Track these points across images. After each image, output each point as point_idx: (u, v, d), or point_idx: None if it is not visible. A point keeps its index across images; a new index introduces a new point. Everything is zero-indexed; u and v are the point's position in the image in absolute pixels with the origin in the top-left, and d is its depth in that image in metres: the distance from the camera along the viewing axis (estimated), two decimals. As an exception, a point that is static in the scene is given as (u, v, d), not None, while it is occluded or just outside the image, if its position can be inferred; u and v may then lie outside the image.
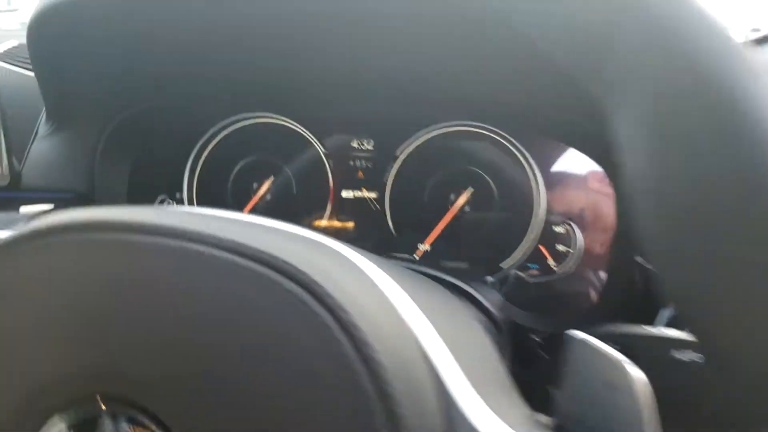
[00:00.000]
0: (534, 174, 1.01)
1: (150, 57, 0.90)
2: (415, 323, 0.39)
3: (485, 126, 1.01)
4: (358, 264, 0.41)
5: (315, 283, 0.36)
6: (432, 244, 1.05)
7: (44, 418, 0.40)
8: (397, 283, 0.42)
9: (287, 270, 0.36)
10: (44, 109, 0.98)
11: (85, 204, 0.99)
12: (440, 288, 0.58)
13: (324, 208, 1.09)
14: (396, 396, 0.33)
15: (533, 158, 1.01)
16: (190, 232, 0.36)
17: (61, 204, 0.98)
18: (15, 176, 0.96)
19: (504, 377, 0.49)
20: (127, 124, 1.01)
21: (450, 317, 0.49)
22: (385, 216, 1.07)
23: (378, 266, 0.43)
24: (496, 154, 1.02)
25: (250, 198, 1.09)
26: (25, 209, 0.94)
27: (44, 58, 0.83)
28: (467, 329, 0.51)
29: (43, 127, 0.99)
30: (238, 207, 1.09)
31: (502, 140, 1.02)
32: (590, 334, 0.58)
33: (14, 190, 0.97)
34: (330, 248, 0.41)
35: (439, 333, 0.40)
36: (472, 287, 0.65)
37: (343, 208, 1.08)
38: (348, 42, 0.82)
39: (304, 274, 0.36)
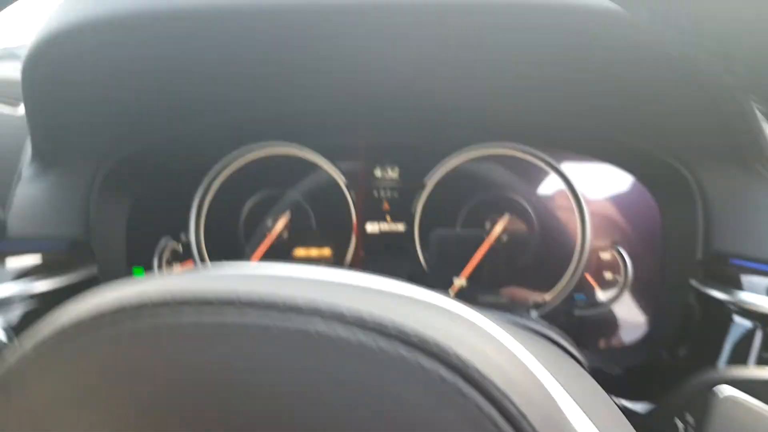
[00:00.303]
0: (576, 197, 0.94)
1: (154, 88, 0.81)
2: (564, 404, 0.32)
3: (523, 147, 0.94)
4: (499, 337, 0.33)
5: (470, 366, 0.27)
6: (468, 278, 0.97)
7: None
8: (532, 354, 0.34)
9: (432, 350, 0.27)
10: (27, 147, 0.88)
11: (80, 252, 0.88)
12: (557, 349, 0.50)
13: (347, 244, 0.99)
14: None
15: (576, 181, 0.94)
16: (304, 307, 0.27)
17: (53, 254, 0.86)
18: (0, 225, 0.85)
19: None
20: (126, 162, 0.91)
21: (588, 392, 0.42)
22: (415, 249, 0.99)
23: (510, 334, 0.35)
24: (534, 177, 0.96)
25: (264, 236, 0.99)
26: (13, 262, 0.83)
27: (39, 91, 0.74)
28: (607, 404, 0.43)
29: (27, 168, 0.88)
30: (252, 246, 0.99)
31: (541, 162, 0.95)
32: (715, 381, 0.51)
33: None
34: (466, 318, 0.32)
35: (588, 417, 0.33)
36: (563, 337, 0.57)
37: (368, 243, 1.00)
38: (372, 61, 0.75)
39: (459, 358, 0.27)
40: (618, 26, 0.59)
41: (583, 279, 0.95)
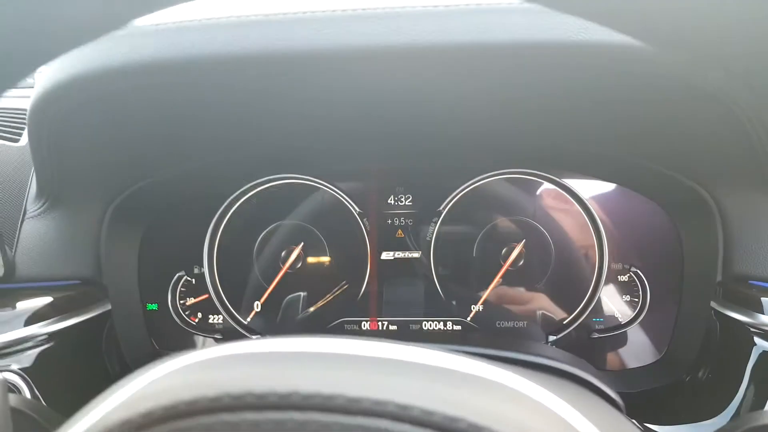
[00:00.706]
0: (594, 221, 0.93)
1: (164, 130, 0.80)
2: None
3: (539, 173, 0.94)
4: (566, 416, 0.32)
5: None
6: (484, 303, 0.96)
7: None
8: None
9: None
10: (32, 183, 0.86)
11: (92, 290, 0.87)
12: (601, 401, 0.49)
13: (363, 273, 0.98)
14: None
15: (592, 204, 0.93)
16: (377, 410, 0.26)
17: (64, 293, 0.85)
18: (9, 266, 0.83)
19: None
20: (136, 197, 0.90)
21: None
22: (431, 276, 0.98)
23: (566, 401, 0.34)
24: (551, 202, 0.95)
25: (278, 267, 0.98)
26: (23, 305, 0.81)
27: (47, 136, 0.73)
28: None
29: (31, 204, 0.86)
30: (266, 278, 0.98)
31: (558, 187, 0.95)
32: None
33: (8, 282, 0.84)
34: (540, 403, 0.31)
35: None
36: (595, 376, 0.56)
37: (384, 271, 0.99)
38: (386, 96, 0.74)
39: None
40: (643, 61, 0.58)
41: (600, 302, 0.94)
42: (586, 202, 0.94)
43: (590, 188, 0.95)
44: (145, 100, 0.72)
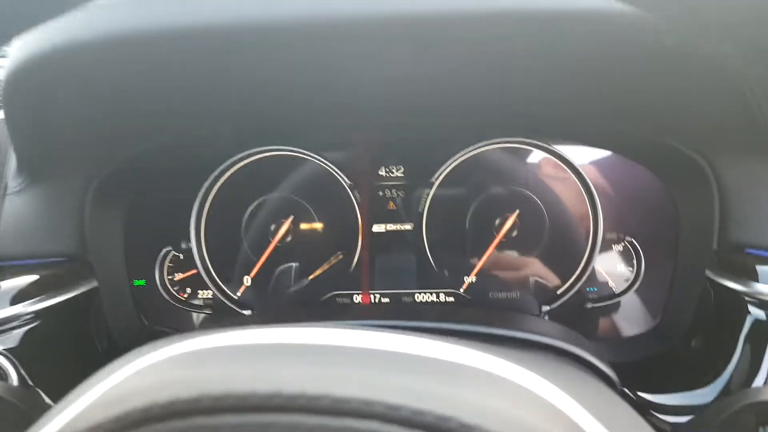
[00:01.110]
0: (589, 190, 0.92)
1: (147, 98, 0.77)
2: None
3: (532, 141, 0.92)
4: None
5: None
6: (477, 275, 0.95)
7: None
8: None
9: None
10: (11, 159, 0.83)
11: (77, 268, 0.85)
12: (594, 379, 0.48)
13: (354, 245, 0.97)
14: None
15: (587, 173, 0.91)
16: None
17: (49, 271, 0.83)
18: (-11, 244, 0.81)
19: None
20: (120, 171, 0.87)
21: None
22: (424, 248, 0.96)
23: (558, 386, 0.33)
24: (545, 171, 0.93)
25: (268, 241, 0.96)
26: (6, 284, 0.79)
27: (23, 110, 0.69)
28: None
29: (13, 181, 0.83)
30: (255, 252, 0.96)
31: (552, 156, 0.93)
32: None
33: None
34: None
35: None
36: (587, 350, 0.56)
37: (376, 244, 0.97)
38: (376, 66, 0.71)
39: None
40: (639, 29, 0.56)
41: (594, 271, 0.94)
42: (581, 170, 0.92)
43: (585, 156, 0.93)
44: (125, 73, 0.68)
